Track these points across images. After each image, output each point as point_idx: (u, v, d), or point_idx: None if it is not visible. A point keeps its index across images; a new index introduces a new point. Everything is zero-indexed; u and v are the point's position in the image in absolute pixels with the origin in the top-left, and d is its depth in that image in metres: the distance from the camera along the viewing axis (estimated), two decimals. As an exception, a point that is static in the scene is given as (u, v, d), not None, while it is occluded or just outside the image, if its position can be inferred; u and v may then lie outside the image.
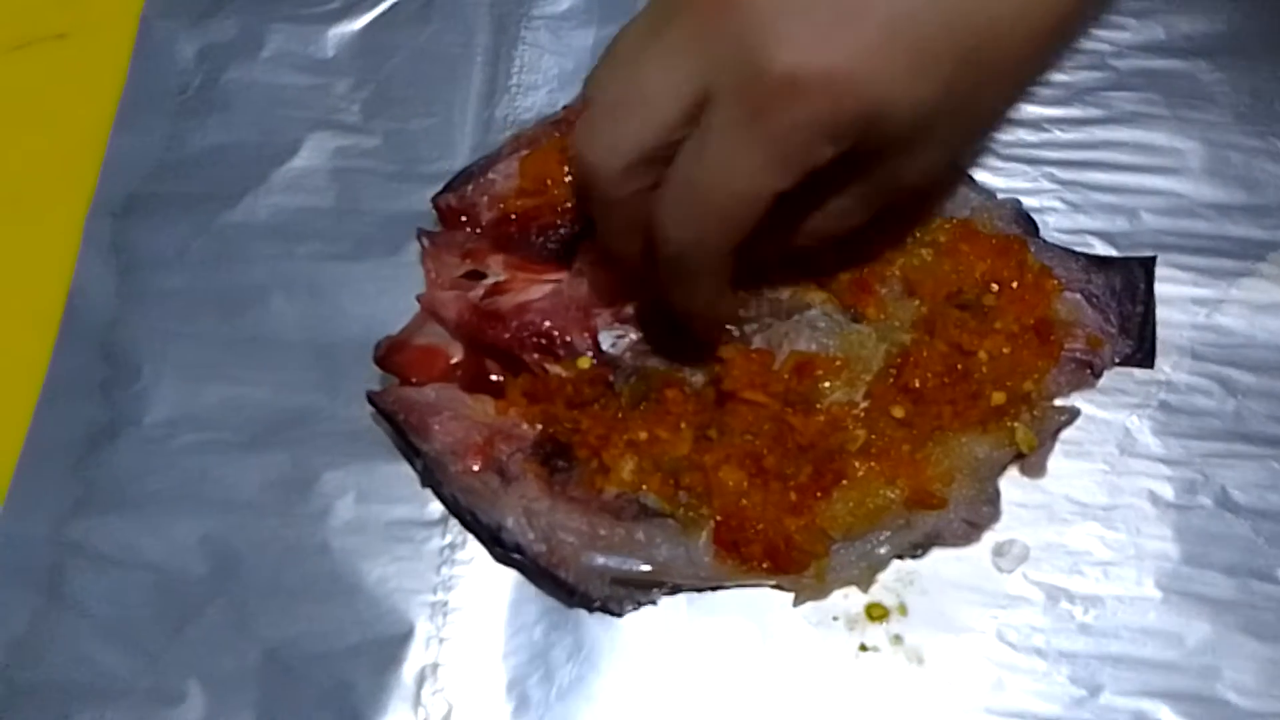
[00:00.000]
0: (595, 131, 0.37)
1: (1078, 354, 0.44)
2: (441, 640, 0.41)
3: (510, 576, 0.42)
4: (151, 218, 0.48)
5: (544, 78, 0.50)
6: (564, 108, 0.48)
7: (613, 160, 0.37)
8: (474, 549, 0.43)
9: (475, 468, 0.42)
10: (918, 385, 0.42)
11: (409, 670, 0.41)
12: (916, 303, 0.44)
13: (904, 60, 0.35)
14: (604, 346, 0.43)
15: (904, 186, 0.40)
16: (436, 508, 0.43)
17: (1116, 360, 0.44)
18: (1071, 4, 0.38)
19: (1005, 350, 0.43)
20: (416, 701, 0.41)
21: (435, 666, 0.41)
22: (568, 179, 0.45)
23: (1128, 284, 0.45)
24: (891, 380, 0.43)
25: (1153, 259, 0.45)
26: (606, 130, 0.37)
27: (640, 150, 0.37)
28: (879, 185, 0.39)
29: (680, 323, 0.42)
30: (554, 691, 0.41)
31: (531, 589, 0.42)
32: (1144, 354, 0.44)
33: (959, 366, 0.43)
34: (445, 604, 0.42)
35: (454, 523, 0.43)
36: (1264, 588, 0.41)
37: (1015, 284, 0.44)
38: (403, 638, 0.41)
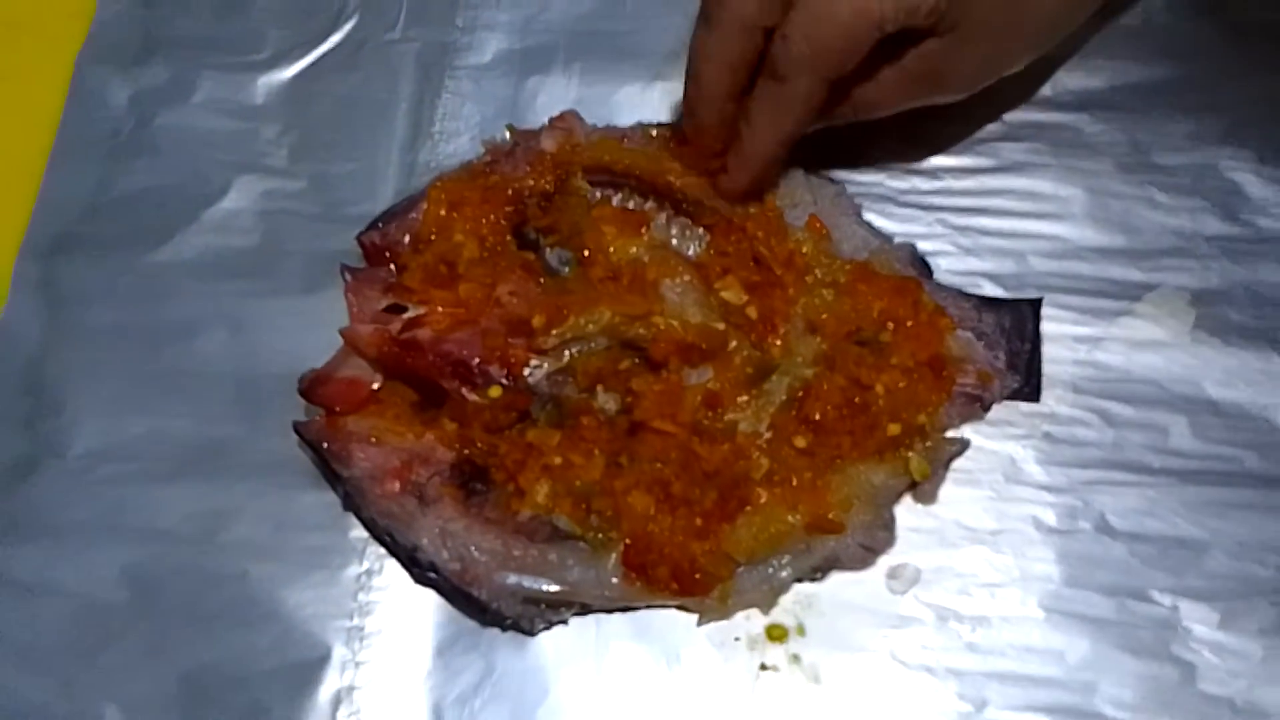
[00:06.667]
0: None
1: (968, 388, 0.46)
2: (358, 664, 0.43)
3: (425, 603, 0.43)
4: (81, 257, 0.49)
5: (466, 125, 0.52)
6: (483, 142, 0.50)
7: None
8: (390, 576, 0.44)
9: (394, 491, 0.44)
10: (818, 417, 0.45)
11: (325, 693, 0.42)
12: (818, 340, 0.46)
13: None
14: (525, 375, 0.45)
15: (947, 81, 0.46)
16: (354, 535, 0.44)
17: (1004, 394, 0.46)
18: None
19: (901, 385, 0.45)
20: (331, 723, 0.42)
21: (351, 690, 0.42)
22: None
23: (1016, 323, 0.47)
24: (794, 412, 0.45)
25: (1039, 300, 0.48)
26: None
27: None
28: (926, 70, 0.45)
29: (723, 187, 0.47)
30: (466, 713, 0.42)
31: (446, 614, 0.43)
32: (1030, 389, 0.47)
33: (857, 400, 0.45)
34: (361, 629, 0.43)
35: (371, 550, 0.44)
36: (1140, 607, 0.43)
37: (910, 322, 0.47)
38: (319, 662, 0.42)
